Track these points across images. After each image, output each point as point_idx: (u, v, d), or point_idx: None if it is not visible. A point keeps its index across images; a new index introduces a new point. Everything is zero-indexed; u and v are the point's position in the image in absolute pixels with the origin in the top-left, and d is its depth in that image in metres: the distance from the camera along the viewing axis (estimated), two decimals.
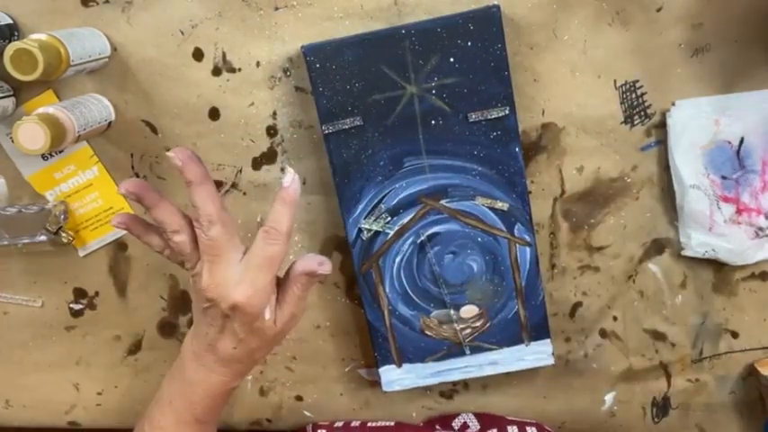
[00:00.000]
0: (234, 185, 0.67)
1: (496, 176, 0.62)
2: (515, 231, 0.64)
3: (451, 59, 0.59)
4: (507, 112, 0.60)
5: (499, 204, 0.63)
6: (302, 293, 0.55)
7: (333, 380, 0.73)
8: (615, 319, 0.70)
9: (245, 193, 0.67)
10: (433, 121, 0.61)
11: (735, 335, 0.70)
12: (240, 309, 0.52)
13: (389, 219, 0.64)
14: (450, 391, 0.73)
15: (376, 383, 0.71)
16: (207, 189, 0.52)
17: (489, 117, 0.60)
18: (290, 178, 0.53)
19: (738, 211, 0.65)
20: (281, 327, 0.55)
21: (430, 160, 0.62)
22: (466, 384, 0.73)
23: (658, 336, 0.70)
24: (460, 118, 0.61)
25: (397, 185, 0.63)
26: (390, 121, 0.61)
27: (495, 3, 0.59)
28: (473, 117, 0.61)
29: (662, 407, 0.73)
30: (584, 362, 0.71)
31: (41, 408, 0.76)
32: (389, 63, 0.59)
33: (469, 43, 0.59)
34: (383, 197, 0.63)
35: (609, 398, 0.73)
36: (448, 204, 0.63)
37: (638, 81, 0.63)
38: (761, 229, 0.65)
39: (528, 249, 0.64)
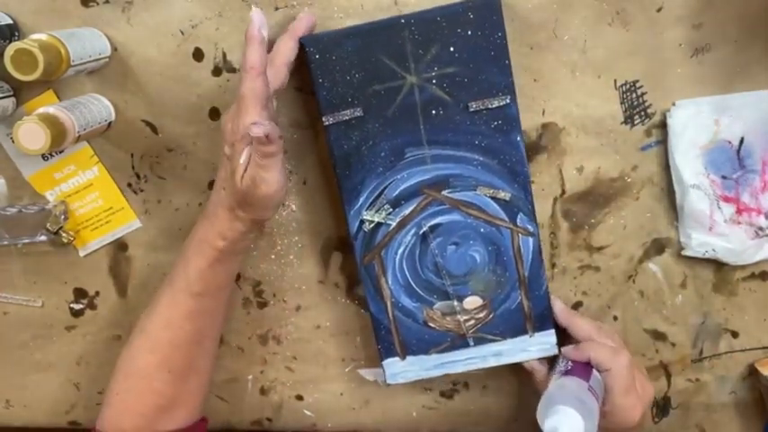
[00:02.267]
0: None
1: (498, 166, 0.62)
2: (518, 221, 0.63)
3: (451, 49, 0.59)
4: (508, 101, 0.60)
5: (501, 194, 0.63)
6: (259, 159, 0.54)
7: (333, 380, 0.73)
8: (615, 318, 0.70)
9: None
10: (433, 111, 0.60)
11: (735, 335, 0.70)
12: (224, 137, 0.57)
13: (391, 210, 0.63)
14: (450, 390, 0.73)
15: (376, 383, 0.71)
16: (260, 49, 0.54)
17: (490, 106, 0.60)
18: (254, 15, 0.54)
19: (738, 211, 0.65)
20: (245, 187, 0.55)
21: (431, 150, 0.62)
22: (466, 384, 0.73)
23: (658, 336, 0.71)
24: (461, 107, 0.60)
25: (398, 176, 0.62)
26: (391, 112, 0.61)
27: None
28: (474, 106, 0.60)
29: (662, 407, 0.73)
30: None
31: (41, 408, 0.76)
32: (389, 53, 0.59)
33: (469, 32, 0.58)
34: (385, 188, 0.63)
35: None
36: (450, 195, 0.63)
37: (638, 81, 0.63)
38: (761, 228, 0.65)
39: (531, 239, 0.64)
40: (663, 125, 0.64)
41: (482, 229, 0.63)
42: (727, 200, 0.65)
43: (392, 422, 0.74)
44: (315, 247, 0.69)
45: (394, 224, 0.63)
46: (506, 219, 0.63)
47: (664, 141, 0.65)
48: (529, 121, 0.64)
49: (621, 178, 0.66)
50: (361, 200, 0.63)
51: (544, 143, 0.65)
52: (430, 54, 0.59)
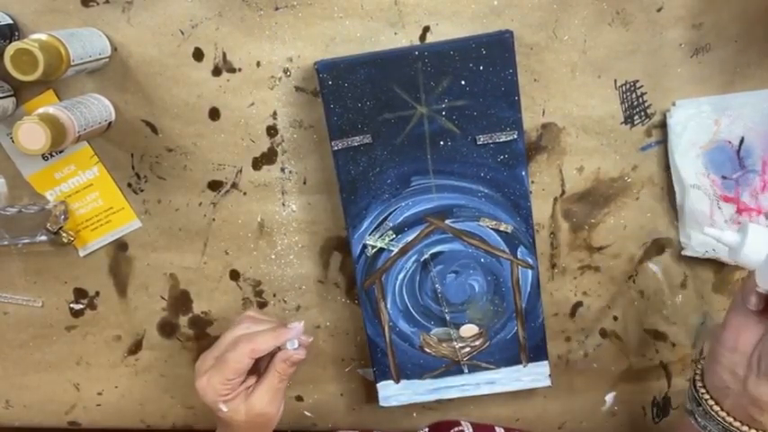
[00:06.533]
0: (234, 185, 0.67)
1: (502, 199, 0.63)
2: (518, 253, 0.64)
3: (463, 82, 0.60)
4: (515, 136, 0.61)
5: (503, 226, 0.63)
6: (278, 383, 0.60)
7: (333, 380, 0.73)
8: (615, 318, 0.70)
9: (245, 193, 0.67)
10: (441, 142, 0.61)
11: None
12: (200, 397, 0.60)
13: (394, 236, 0.64)
14: None
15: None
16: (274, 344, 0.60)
17: (497, 140, 0.61)
18: (297, 325, 0.61)
19: (739, 211, 0.65)
20: (245, 417, 0.59)
21: (437, 180, 0.63)
22: None
23: (658, 336, 0.70)
24: (469, 140, 0.61)
25: (403, 204, 0.63)
26: (399, 140, 0.62)
27: (509, 28, 0.59)
28: (481, 140, 0.61)
29: (662, 407, 0.73)
30: (585, 362, 0.72)
31: (41, 408, 0.76)
32: (401, 83, 0.60)
33: (481, 67, 0.59)
34: (389, 214, 0.64)
35: (609, 398, 0.73)
36: (452, 224, 0.64)
37: (638, 81, 0.63)
38: None
39: (530, 272, 0.65)
40: (663, 125, 0.64)
41: (482, 260, 0.64)
42: (727, 200, 0.65)
43: (392, 422, 0.74)
44: (315, 247, 0.69)
45: (396, 250, 0.64)
46: (507, 251, 0.64)
47: (664, 141, 0.65)
48: (529, 121, 0.64)
49: (621, 178, 0.66)
50: (365, 224, 0.64)
51: (544, 143, 0.65)
52: (441, 86, 0.60)
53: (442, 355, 0.67)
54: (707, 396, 0.53)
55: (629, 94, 0.64)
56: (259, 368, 0.62)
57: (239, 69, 0.64)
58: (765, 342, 0.50)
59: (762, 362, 0.49)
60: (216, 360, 0.59)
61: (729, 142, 0.64)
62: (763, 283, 0.50)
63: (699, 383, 0.54)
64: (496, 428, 0.69)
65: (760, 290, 0.50)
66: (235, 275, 0.70)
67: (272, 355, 0.60)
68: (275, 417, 0.62)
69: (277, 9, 0.62)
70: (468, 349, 0.67)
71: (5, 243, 0.67)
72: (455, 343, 0.67)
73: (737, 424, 0.51)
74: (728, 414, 0.51)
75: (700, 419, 0.53)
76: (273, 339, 0.59)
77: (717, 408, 0.52)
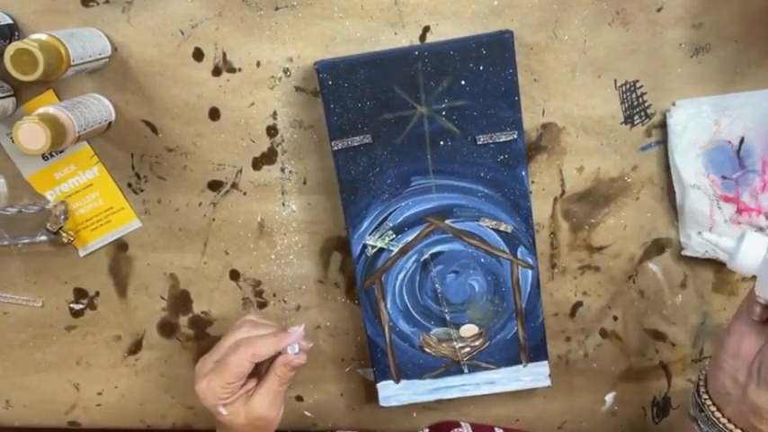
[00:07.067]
0: (234, 185, 0.67)
1: (502, 199, 0.63)
2: (518, 253, 0.64)
3: (463, 82, 0.60)
4: (515, 136, 0.61)
5: (503, 226, 0.64)
6: (278, 386, 0.60)
7: (333, 380, 0.73)
8: (615, 318, 0.70)
9: (245, 193, 0.67)
10: (441, 142, 0.61)
11: None
12: (200, 400, 0.60)
13: (394, 236, 0.64)
14: None
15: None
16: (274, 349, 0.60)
17: (497, 140, 0.61)
18: (297, 329, 0.60)
19: (739, 211, 0.65)
20: (245, 420, 0.59)
21: (437, 180, 0.63)
22: None
23: (658, 336, 0.70)
24: (469, 140, 0.61)
25: (403, 204, 0.63)
26: (399, 141, 0.62)
27: (509, 28, 0.59)
28: (481, 140, 0.61)
29: (662, 407, 0.73)
30: (585, 362, 0.72)
31: (41, 408, 0.76)
32: (401, 83, 0.60)
33: (481, 67, 0.59)
34: (389, 214, 0.64)
35: (609, 398, 0.73)
36: (452, 224, 0.64)
37: (638, 81, 0.63)
38: (761, 228, 0.65)
39: (530, 272, 0.65)
40: (663, 125, 0.64)
41: (482, 259, 0.64)
42: (727, 200, 0.65)
43: (392, 422, 0.74)
44: (315, 247, 0.69)
45: (396, 250, 0.64)
46: (507, 251, 0.64)
47: (664, 141, 0.65)
48: (529, 121, 0.64)
49: (621, 178, 0.66)
50: (365, 225, 0.64)
51: (544, 143, 0.65)
52: (441, 86, 0.60)
53: (442, 355, 0.67)
54: (709, 402, 0.53)
55: (629, 94, 0.64)
56: (259, 371, 0.62)
57: (239, 69, 0.64)
58: (766, 351, 0.50)
59: (762, 370, 0.49)
60: (216, 364, 0.59)
61: (729, 142, 0.64)
62: (761, 292, 0.50)
63: (702, 389, 0.54)
64: (496, 429, 0.69)
65: (760, 299, 0.50)
66: (235, 275, 0.70)
67: (271, 358, 0.60)
68: (275, 420, 0.62)
69: (277, 9, 0.62)
70: (468, 349, 0.67)
71: (5, 243, 0.67)
72: (455, 343, 0.67)
73: (738, 431, 0.51)
74: (729, 421, 0.51)
75: (702, 425, 0.53)
76: (274, 344, 0.59)
77: (718, 414, 0.52)
